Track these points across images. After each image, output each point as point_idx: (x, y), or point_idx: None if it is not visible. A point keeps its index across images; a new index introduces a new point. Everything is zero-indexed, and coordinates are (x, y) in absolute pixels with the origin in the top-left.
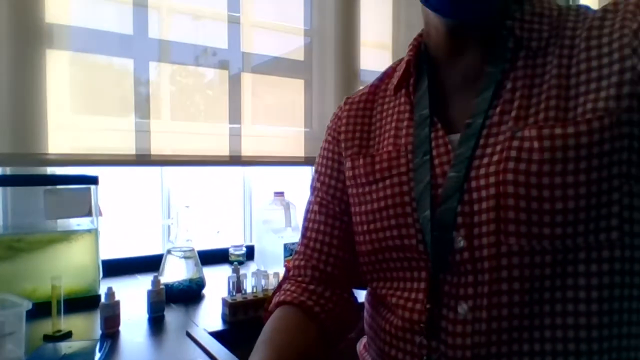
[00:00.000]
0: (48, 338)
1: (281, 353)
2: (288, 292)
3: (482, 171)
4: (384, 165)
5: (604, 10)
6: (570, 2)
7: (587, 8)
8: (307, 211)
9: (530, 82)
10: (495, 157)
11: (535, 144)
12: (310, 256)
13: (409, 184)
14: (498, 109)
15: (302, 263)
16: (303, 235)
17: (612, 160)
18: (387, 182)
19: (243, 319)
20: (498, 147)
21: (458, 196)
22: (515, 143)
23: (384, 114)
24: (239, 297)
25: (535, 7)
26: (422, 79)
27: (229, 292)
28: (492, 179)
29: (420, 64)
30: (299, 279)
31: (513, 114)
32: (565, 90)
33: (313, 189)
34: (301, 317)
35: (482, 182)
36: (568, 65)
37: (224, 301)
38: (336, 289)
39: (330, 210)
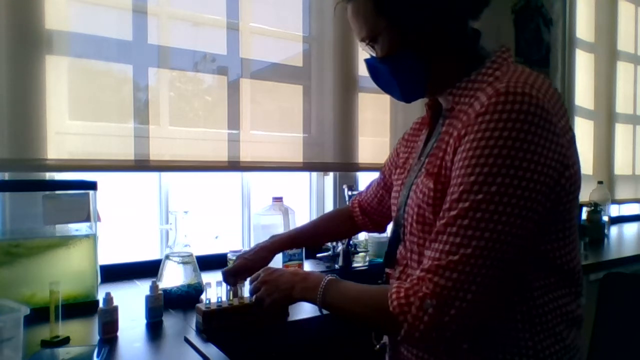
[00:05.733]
0: (46, 344)
1: (318, 223)
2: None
3: (411, 197)
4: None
5: (477, 114)
6: (567, 7)
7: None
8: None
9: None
10: (412, 192)
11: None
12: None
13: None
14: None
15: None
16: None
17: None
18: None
19: (217, 326)
20: (413, 185)
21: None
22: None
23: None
24: (213, 306)
25: (470, 77)
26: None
27: (227, 297)
28: (410, 202)
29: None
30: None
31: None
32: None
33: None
34: (346, 214)
35: (409, 201)
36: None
37: (198, 309)
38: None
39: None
